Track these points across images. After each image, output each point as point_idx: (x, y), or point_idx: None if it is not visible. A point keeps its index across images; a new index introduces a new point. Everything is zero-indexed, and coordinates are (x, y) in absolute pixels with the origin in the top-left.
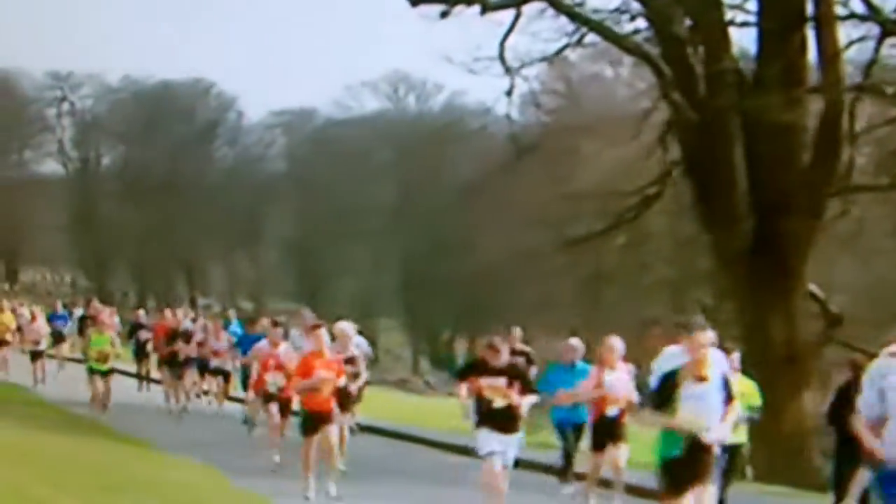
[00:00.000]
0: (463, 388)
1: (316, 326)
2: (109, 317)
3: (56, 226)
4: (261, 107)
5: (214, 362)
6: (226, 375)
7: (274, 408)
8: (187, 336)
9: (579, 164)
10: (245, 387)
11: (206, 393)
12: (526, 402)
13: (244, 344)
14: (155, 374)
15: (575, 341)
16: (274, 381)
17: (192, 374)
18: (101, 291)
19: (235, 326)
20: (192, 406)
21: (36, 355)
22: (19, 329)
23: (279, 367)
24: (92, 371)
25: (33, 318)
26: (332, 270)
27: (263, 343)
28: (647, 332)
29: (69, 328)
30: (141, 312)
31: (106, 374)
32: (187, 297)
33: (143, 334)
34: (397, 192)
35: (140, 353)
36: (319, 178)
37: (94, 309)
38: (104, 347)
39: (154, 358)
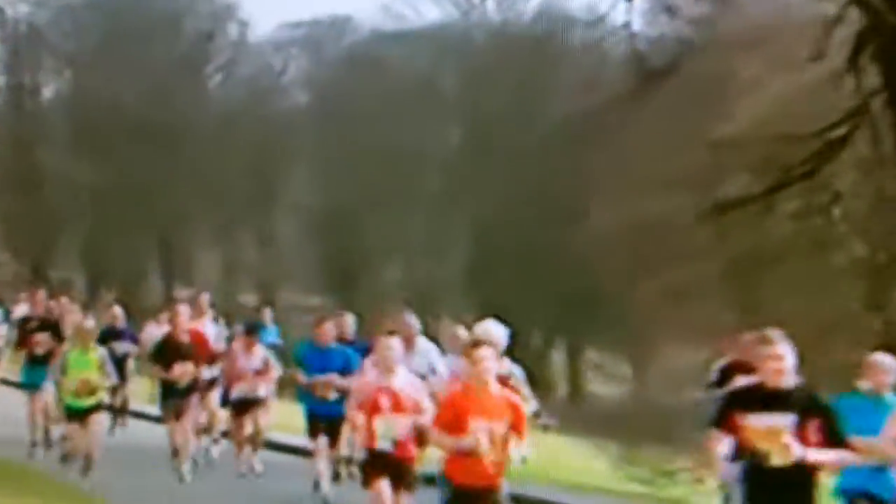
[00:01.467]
0: (717, 438)
1: (477, 344)
2: (89, 322)
3: None
4: (272, 17)
5: (240, 391)
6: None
7: (384, 485)
8: (202, 352)
9: (733, 96)
10: (313, 429)
11: (225, 435)
12: (832, 459)
13: (319, 362)
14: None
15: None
16: (388, 430)
17: (209, 407)
18: (36, 277)
19: (273, 335)
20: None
21: None
22: None
23: (398, 406)
24: (70, 411)
25: None
26: (372, 249)
27: (366, 368)
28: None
29: (5, 336)
30: (117, 311)
31: (90, 413)
32: (161, 287)
33: (121, 346)
34: (466, 137)
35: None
36: (355, 118)
37: (61, 307)
38: (90, 373)
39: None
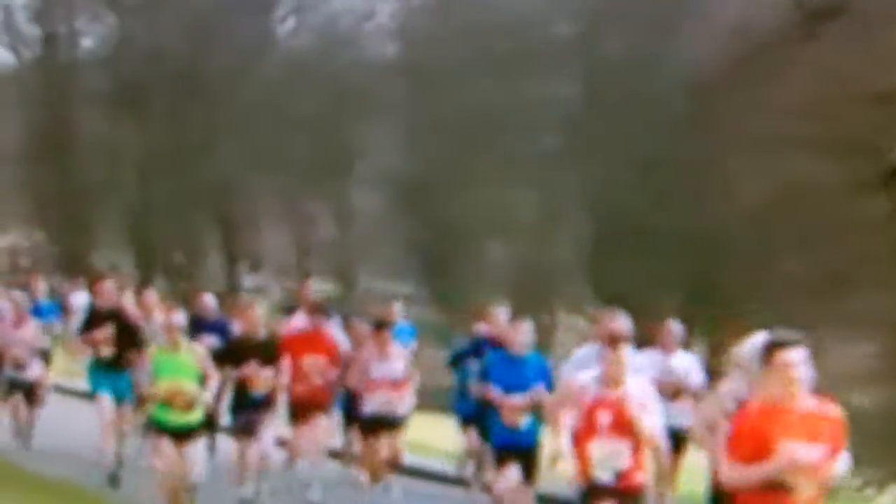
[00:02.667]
0: None
1: (783, 345)
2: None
3: (2, 152)
4: None
5: (374, 405)
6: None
7: None
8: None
9: None
10: (501, 460)
11: (335, 456)
12: None
13: (511, 375)
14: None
15: None
16: (608, 457)
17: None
18: (76, 261)
19: (408, 336)
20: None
21: (20, 388)
22: None
23: (621, 425)
24: (160, 427)
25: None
26: (469, 227)
27: (576, 366)
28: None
29: (58, 329)
30: (207, 299)
31: (188, 436)
32: (223, 272)
33: (208, 341)
34: (584, 91)
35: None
36: (451, 71)
37: (143, 302)
38: (183, 379)
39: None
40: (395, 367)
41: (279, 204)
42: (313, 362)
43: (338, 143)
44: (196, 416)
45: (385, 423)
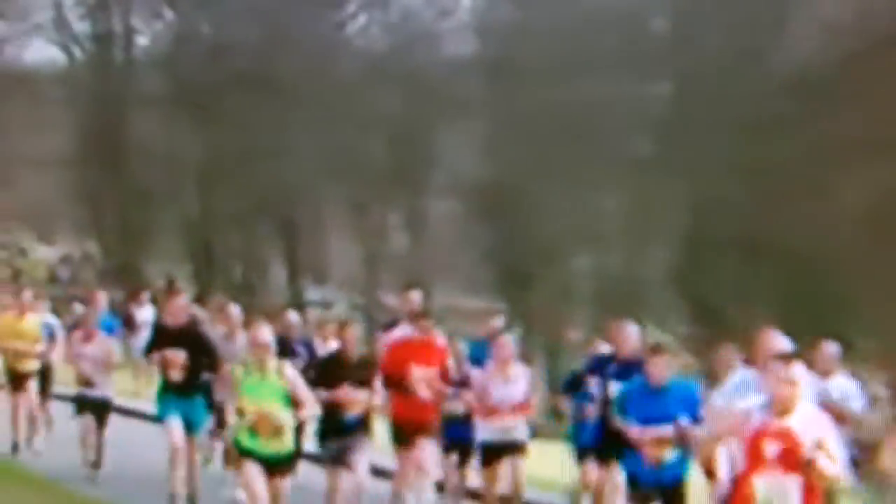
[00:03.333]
0: None
1: None
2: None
3: (51, 156)
4: None
5: (493, 431)
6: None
7: None
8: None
9: None
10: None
11: (441, 489)
12: None
13: (650, 407)
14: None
15: None
16: (774, 495)
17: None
18: (129, 273)
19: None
20: None
21: (90, 407)
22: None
23: (790, 459)
24: (247, 454)
25: (85, 325)
26: (552, 237)
27: (732, 393)
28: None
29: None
30: (291, 318)
31: (279, 470)
32: (286, 286)
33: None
34: (678, 93)
35: None
36: (534, 70)
37: (225, 318)
38: (272, 405)
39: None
40: (517, 389)
41: (347, 212)
42: (422, 374)
43: (412, 147)
44: (286, 445)
45: (507, 450)
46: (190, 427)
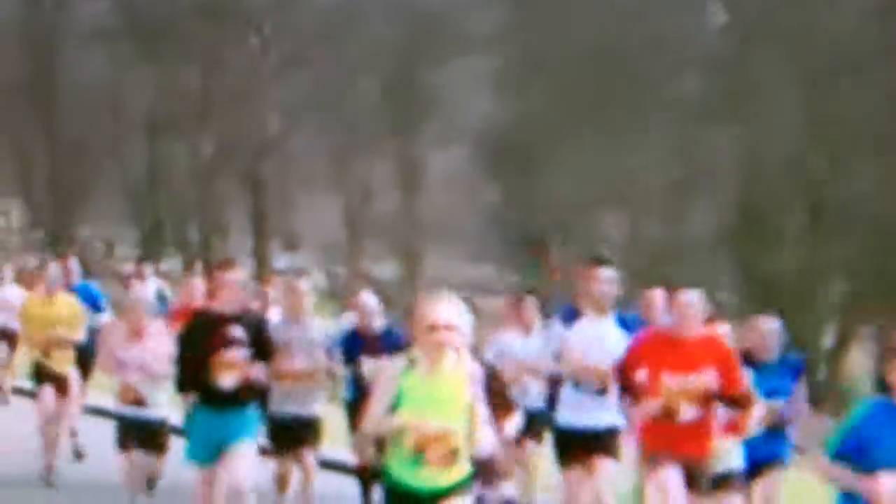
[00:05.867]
0: None
1: None
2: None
3: None
4: None
5: None
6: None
7: None
8: None
9: None
10: None
11: None
12: None
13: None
14: None
15: None
16: None
17: None
18: (61, 238)
19: None
20: None
21: (140, 435)
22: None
23: None
24: (403, 493)
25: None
26: (578, 199)
27: None
28: None
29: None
30: (367, 300)
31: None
32: (251, 252)
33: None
34: (733, 25)
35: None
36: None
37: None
38: (447, 421)
39: None
40: None
41: (326, 164)
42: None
43: (408, 88)
44: (460, 474)
45: None
46: (236, 436)
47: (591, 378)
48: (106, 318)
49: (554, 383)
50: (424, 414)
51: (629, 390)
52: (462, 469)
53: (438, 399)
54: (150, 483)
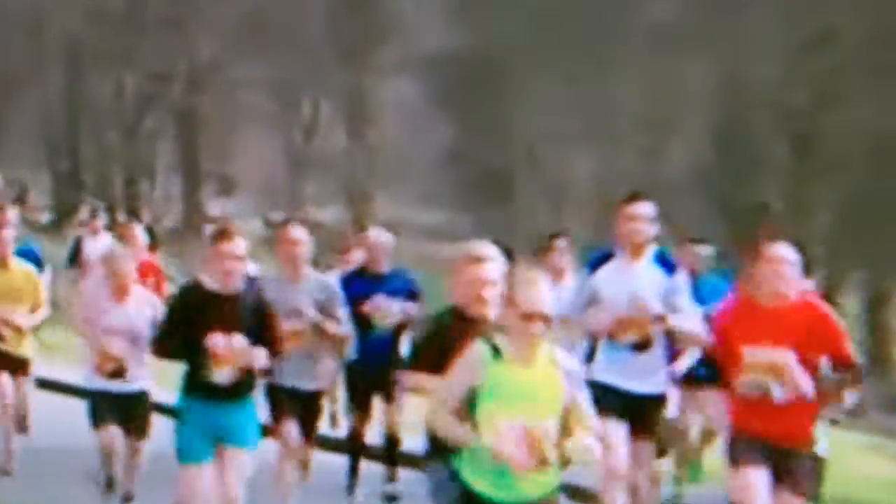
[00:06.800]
0: None
1: None
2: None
3: None
4: None
5: None
6: None
7: None
8: None
9: None
10: None
11: None
12: None
13: None
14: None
15: None
16: None
17: None
18: None
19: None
20: None
21: (118, 410)
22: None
23: None
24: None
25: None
26: (543, 134)
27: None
28: None
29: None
30: (380, 235)
31: None
32: (182, 196)
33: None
34: None
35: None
36: None
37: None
38: (541, 418)
39: None
40: None
41: (265, 97)
42: None
43: (358, 13)
44: (551, 479)
45: None
46: (235, 439)
47: (626, 331)
48: (46, 276)
49: (594, 339)
50: (511, 413)
51: (721, 368)
52: (552, 479)
53: (529, 396)
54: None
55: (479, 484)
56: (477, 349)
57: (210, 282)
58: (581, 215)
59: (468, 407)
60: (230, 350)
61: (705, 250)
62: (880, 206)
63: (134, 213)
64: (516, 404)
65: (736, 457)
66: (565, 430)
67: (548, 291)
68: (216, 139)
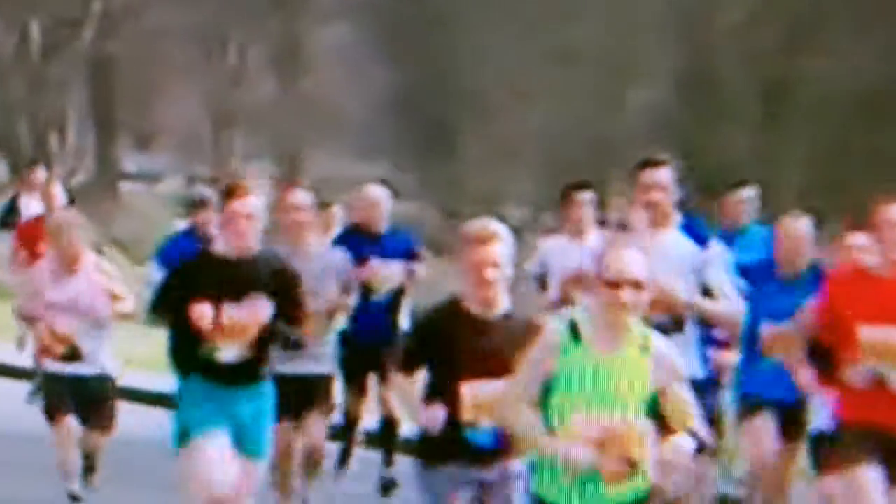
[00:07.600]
0: None
1: None
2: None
3: None
4: None
5: None
6: None
7: None
8: None
9: None
10: None
11: None
12: None
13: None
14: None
15: None
16: None
17: None
18: None
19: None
20: None
21: (71, 397)
22: None
23: None
24: None
25: None
26: (489, 80)
27: None
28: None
29: None
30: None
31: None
32: (94, 151)
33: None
34: None
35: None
36: None
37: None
38: (628, 415)
39: None
40: None
41: (187, 44)
42: None
43: None
44: (640, 486)
45: None
46: (246, 447)
47: (652, 311)
48: None
49: None
50: (588, 406)
51: (822, 354)
52: (641, 484)
53: (609, 386)
54: (90, 465)
55: (555, 491)
56: (552, 330)
57: (221, 246)
58: (533, 173)
59: (541, 398)
60: (240, 321)
61: (747, 193)
62: (858, 160)
63: (47, 169)
64: (594, 396)
65: (842, 455)
66: (664, 428)
67: (639, 254)
68: (132, 89)
